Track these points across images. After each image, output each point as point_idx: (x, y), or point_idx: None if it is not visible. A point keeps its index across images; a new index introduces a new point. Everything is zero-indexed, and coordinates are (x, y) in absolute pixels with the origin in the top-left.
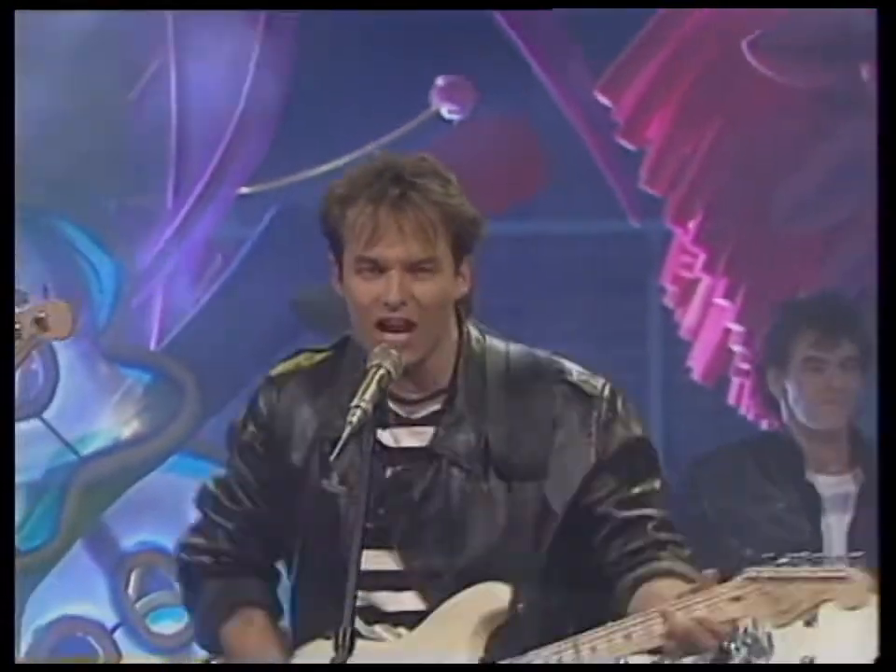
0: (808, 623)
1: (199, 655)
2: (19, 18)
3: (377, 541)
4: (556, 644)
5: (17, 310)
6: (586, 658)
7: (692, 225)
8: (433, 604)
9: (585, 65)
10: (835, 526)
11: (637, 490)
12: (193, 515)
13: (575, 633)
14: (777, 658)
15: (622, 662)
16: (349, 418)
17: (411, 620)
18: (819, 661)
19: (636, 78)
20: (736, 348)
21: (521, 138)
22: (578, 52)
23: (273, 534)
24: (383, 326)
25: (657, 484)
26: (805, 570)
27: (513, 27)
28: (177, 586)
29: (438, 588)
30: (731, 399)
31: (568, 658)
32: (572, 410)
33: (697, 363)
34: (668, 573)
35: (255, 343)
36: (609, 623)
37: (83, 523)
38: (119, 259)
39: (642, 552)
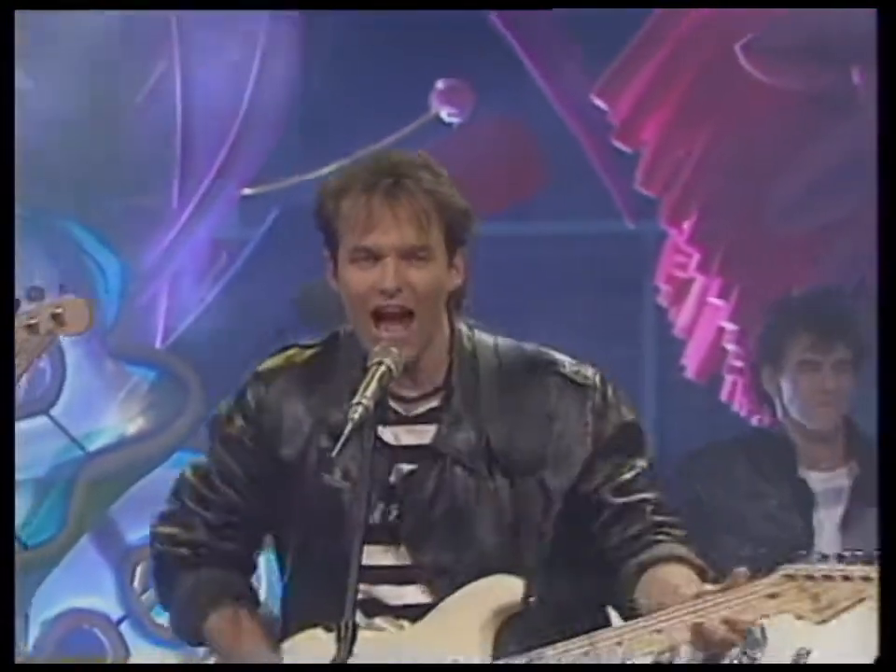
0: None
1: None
2: (27, 18)
3: (384, 538)
4: (580, 638)
5: (33, 306)
6: (610, 654)
7: (686, 225)
8: (438, 598)
9: (582, 68)
10: (828, 522)
11: (632, 474)
12: (168, 504)
13: (584, 623)
14: (770, 650)
15: (627, 662)
16: (350, 415)
17: (413, 613)
18: (814, 654)
19: (631, 82)
20: (730, 347)
21: (519, 141)
22: (574, 55)
23: (258, 526)
24: (378, 315)
25: (647, 465)
26: (844, 568)
27: (509, 28)
28: (153, 581)
29: (445, 583)
30: (724, 396)
31: (594, 654)
32: (567, 401)
33: (691, 361)
34: (672, 558)
35: (258, 342)
36: (638, 619)
37: (89, 517)
38: (125, 258)
39: (642, 536)
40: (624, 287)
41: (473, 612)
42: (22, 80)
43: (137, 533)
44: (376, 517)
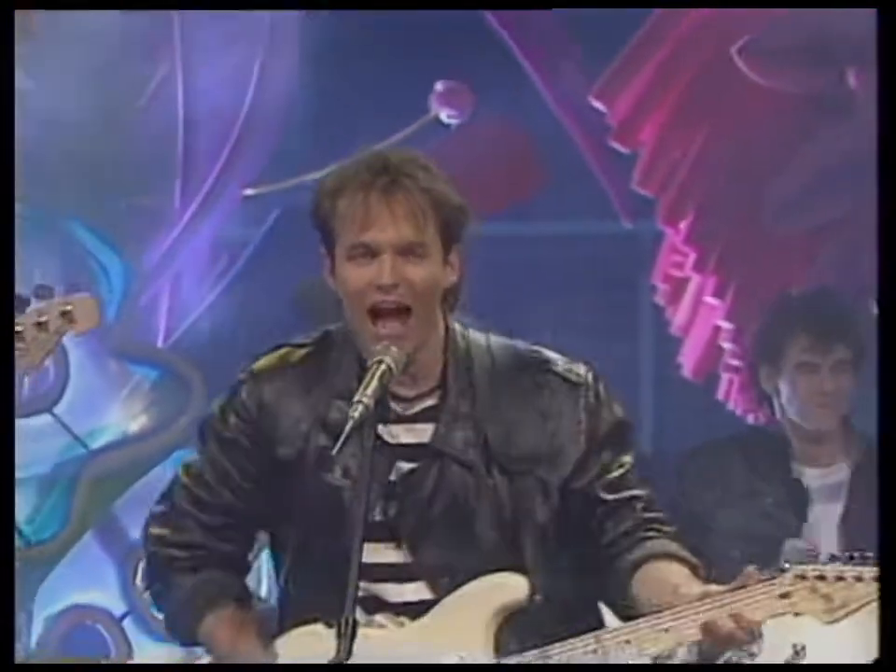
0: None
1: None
2: (30, 18)
3: (384, 536)
4: (586, 636)
5: (42, 304)
6: (617, 653)
7: (682, 225)
8: (439, 595)
9: (580, 69)
10: (824, 519)
11: (622, 471)
12: (162, 506)
13: (588, 621)
14: (765, 645)
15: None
16: (351, 413)
17: (414, 610)
18: (814, 654)
19: (629, 84)
20: (726, 345)
21: (517, 142)
22: (572, 56)
23: (255, 526)
24: (376, 312)
25: (635, 462)
26: (855, 570)
27: (508, 30)
28: (146, 583)
29: (446, 580)
30: (720, 395)
31: (602, 652)
32: (560, 399)
33: (687, 359)
34: (664, 555)
35: (259, 341)
36: (648, 616)
37: (92, 514)
38: (128, 259)
39: (634, 532)
40: (622, 285)
41: (477, 610)
42: (24, 81)
43: (140, 530)
44: (376, 515)
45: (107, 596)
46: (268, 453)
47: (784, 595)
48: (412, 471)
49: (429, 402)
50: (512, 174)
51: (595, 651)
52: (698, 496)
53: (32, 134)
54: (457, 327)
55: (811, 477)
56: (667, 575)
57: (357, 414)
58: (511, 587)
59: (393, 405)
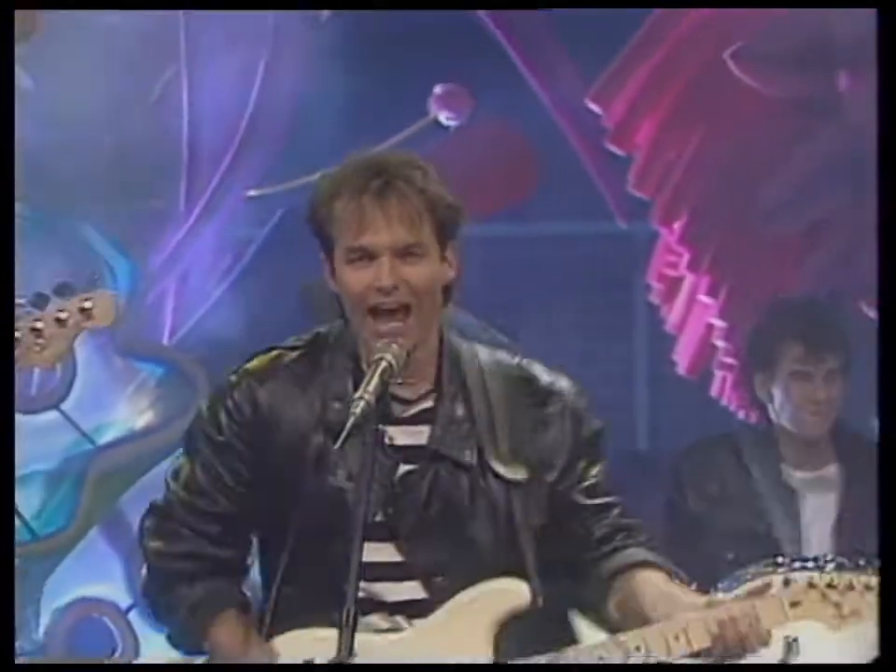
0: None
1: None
2: (34, 18)
3: (382, 535)
4: (598, 643)
5: (62, 300)
6: (628, 658)
7: (677, 226)
8: (435, 595)
9: (576, 72)
10: (815, 520)
11: (600, 478)
12: (156, 518)
13: (569, 624)
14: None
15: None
16: (352, 409)
17: (410, 610)
18: (814, 654)
19: (625, 87)
20: (719, 343)
21: (514, 143)
22: (569, 59)
23: (250, 529)
24: (376, 312)
25: (607, 469)
26: (867, 578)
27: (505, 32)
28: (147, 596)
29: (442, 581)
30: (713, 391)
31: (613, 659)
32: (546, 408)
33: (682, 357)
34: (644, 564)
35: (263, 339)
36: (660, 623)
37: (99, 509)
38: (134, 259)
39: (610, 539)
40: (617, 285)
41: (480, 615)
42: (25, 81)
43: None
44: (374, 515)
45: (114, 589)
46: (263, 454)
47: (795, 604)
48: (408, 472)
49: (426, 405)
50: (510, 175)
51: (602, 659)
52: (693, 493)
53: (38, 136)
54: (447, 334)
55: (802, 478)
56: (654, 580)
57: (358, 411)
58: (514, 592)
59: (393, 406)
